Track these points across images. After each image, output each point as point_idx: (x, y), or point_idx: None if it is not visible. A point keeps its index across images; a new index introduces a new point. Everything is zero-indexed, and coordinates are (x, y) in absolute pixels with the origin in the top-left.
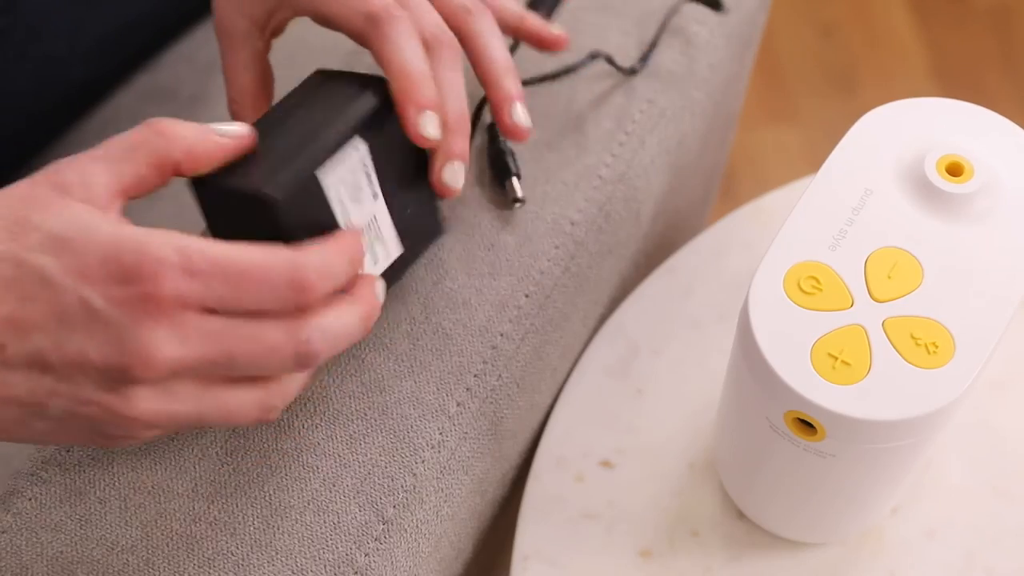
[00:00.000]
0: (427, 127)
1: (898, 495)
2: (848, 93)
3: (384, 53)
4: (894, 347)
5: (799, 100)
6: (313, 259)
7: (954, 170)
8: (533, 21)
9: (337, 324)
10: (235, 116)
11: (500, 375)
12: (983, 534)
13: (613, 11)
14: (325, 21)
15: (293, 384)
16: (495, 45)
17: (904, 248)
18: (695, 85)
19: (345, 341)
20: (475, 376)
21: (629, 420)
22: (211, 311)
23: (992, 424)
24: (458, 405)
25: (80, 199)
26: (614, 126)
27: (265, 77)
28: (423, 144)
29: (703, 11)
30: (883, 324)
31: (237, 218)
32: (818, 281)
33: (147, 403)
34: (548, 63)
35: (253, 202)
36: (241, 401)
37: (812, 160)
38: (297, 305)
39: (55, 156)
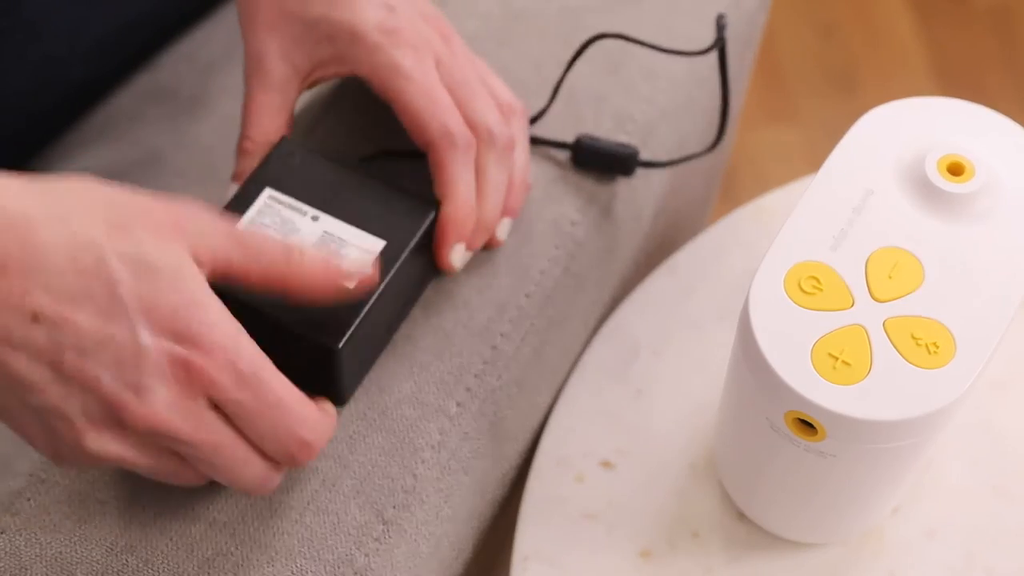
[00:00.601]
0: (455, 259)
1: (898, 495)
2: (848, 93)
3: (447, 176)
4: (895, 347)
5: (799, 100)
6: (327, 430)
7: (955, 170)
8: (516, 197)
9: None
10: (244, 156)
11: (500, 375)
12: (983, 534)
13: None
14: (389, 98)
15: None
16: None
17: (905, 248)
18: (695, 85)
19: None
20: (475, 376)
21: (629, 420)
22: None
23: (992, 424)
24: (458, 405)
25: (187, 247)
26: (614, 126)
27: (289, 126)
28: (444, 269)
29: (702, 11)
30: (884, 324)
31: None
32: (819, 281)
33: (110, 446)
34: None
35: None
36: (183, 474)
37: (812, 160)
38: (291, 458)
39: (55, 156)
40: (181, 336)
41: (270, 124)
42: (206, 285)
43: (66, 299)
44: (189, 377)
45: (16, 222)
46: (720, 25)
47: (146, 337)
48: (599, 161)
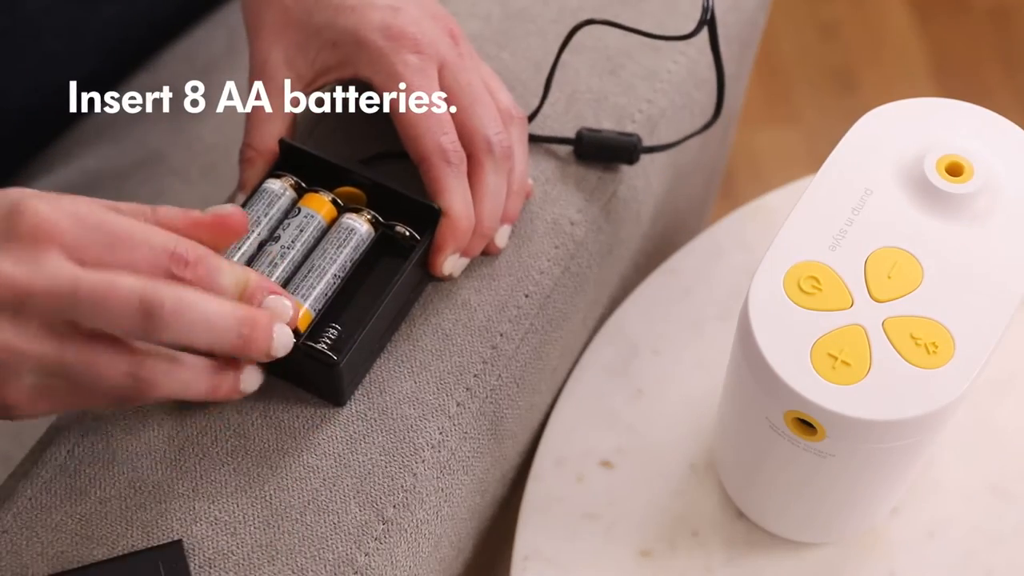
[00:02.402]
0: (447, 267)
1: (898, 495)
2: (848, 93)
3: (439, 189)
4: (894, 347)
5: (799, 100)
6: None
7: (954, 170)
8: (514, 204)
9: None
10: (248, 165)
11: (500, 375)
12: (983, 534)
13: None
14: (388, 106)
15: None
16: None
17: (904, 248)
18: (695, 85)
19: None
20: (475, 376)
21: (629, 420)
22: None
23: (992, 424)
24: (458, 405)
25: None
26: (614, 126)
27: (291, 134)
28: (438, 276)
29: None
30: (883, 324)
31: None
32: (818, 281)
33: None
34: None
35: None
36: (104, 365)
37: (812, 160)
38: (166, 271)
39: (55, 156)
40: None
41: (272, 132)
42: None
43: None
44: (30, 232)
45: None
46: (705, 6)
47: None
48: (602, 151)
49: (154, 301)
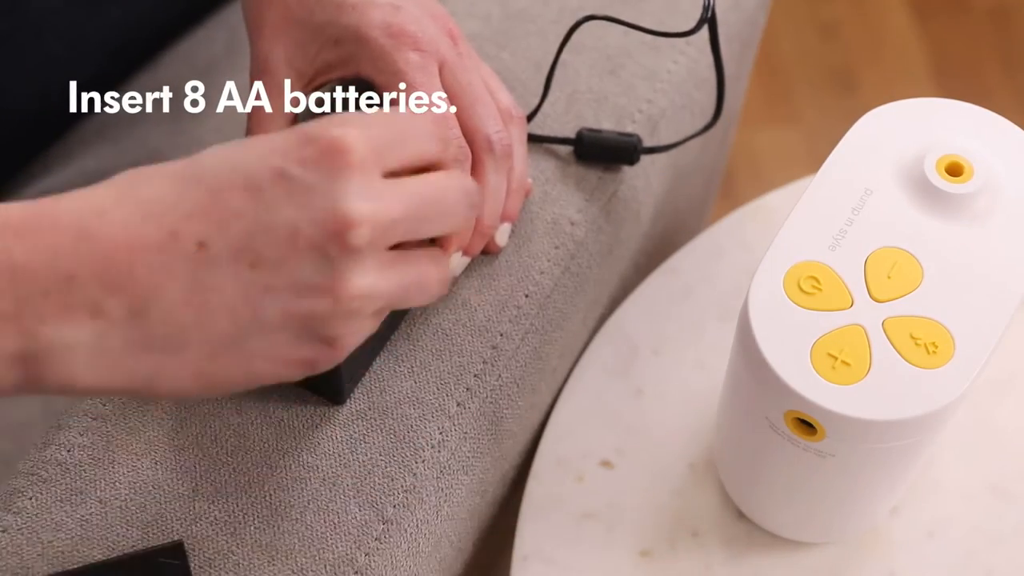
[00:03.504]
0: (451, 266)
1: (898, 495)
2: (848, 93)
3: (485, 184)
4: (894, 347)
5: (799, 100)
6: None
7: (954, 170)
8: (514, 202)
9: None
10: None
11: (500, 375)
12: (983, 534)
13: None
14: (390, 104)
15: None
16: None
17: (904, 248)
18: (695, 85)
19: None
20: (475, 376)
21: (629, 420)
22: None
23: (992, 424)
24: (458, 405)
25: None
26: (614, 126)
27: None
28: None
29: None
30: (883, 324)
31: None
32: (818, 281)
33: (361, 277)
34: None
35: None
36: (430, 272)
37: (812, 160)
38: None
39: (55, 156)
40: (308, 139)
41: (272, 131)
42: None
43: (207, 209)
44: (348, 162)
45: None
46: (706, 4)
47: (290, 165)
48: (602, 152)
49: (473, 192)
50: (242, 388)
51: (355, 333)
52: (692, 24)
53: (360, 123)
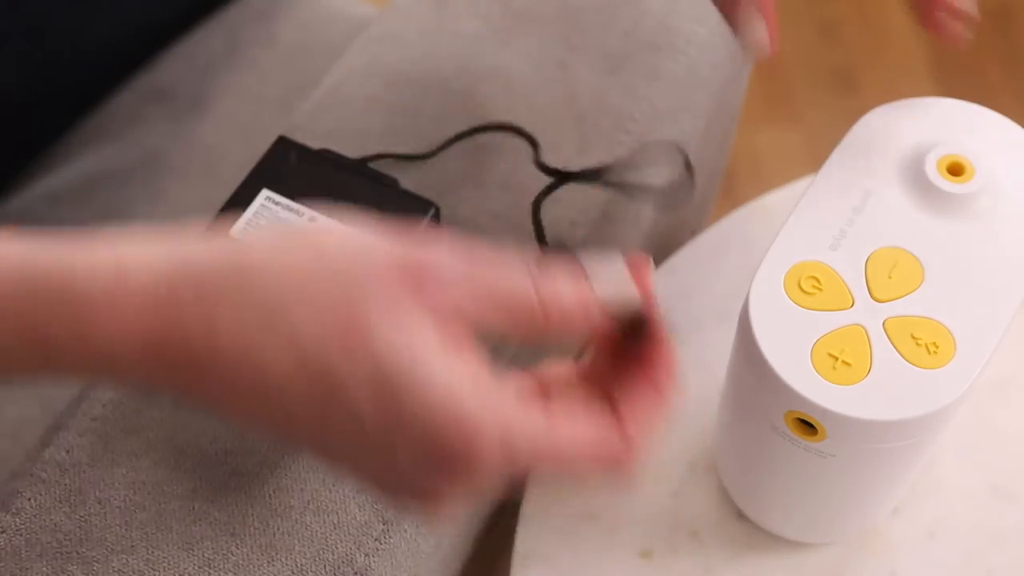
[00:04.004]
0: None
1: (898, 495)
2: (848, 93)
3: None
4: (894, 347)
5: (799, 100)
6: (637, 428)
7: (954, 170)
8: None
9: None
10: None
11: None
12: (983, 534)
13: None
14: None
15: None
16: None
17: (905, 248)
18: (695, 85)
19: None
20: None
21: None
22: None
23: (992, 424)
24: None
25: (431, 306)
26: (614, 126)
27: None
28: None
29: (701, 11)
30: (883, 324)
31: None
32: (818, 281)
33: (459, 498)
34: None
35: None
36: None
37: (812, 160)
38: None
39: (55, 156)
40: (440, 455)
41: None
42: (458, 356)
43: (317, 427)
44: (467, 488)
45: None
46: (686, 162)
47: (403, 459)
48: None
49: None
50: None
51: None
52: (692, 23)
53: (511, 456)
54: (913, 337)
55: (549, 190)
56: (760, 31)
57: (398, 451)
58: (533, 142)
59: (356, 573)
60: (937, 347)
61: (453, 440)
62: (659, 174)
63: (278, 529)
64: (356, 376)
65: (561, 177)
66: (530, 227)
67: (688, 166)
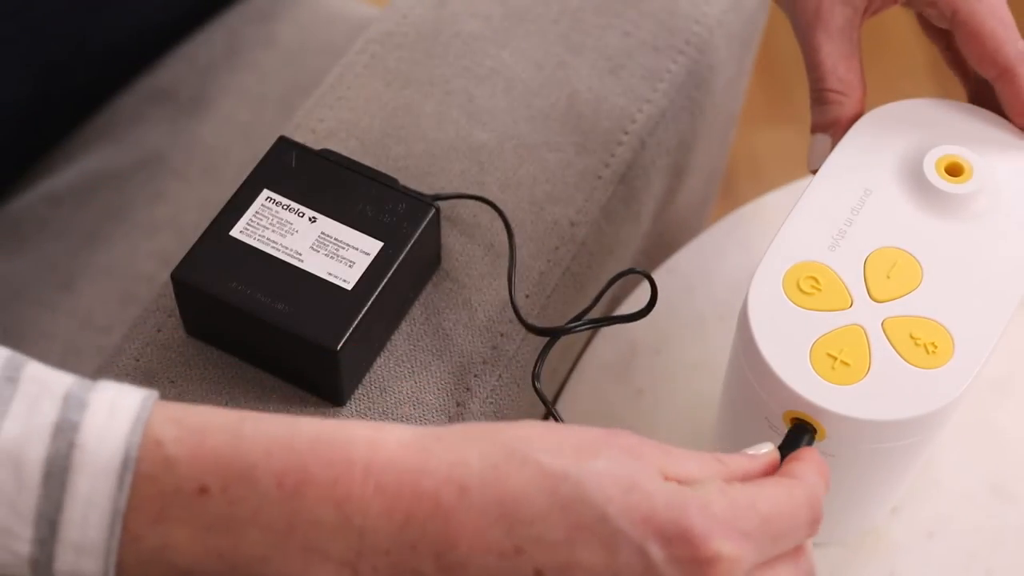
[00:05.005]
0: None
1: (898, 495)
2: None
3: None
4: (893, 347)
5: (799, 100)
6: (819, 488)
7: (953, 170)
8: None
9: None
10: (834, 104)
11: (500, 375)
12: (983, 534)
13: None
14: (957, 20)
15: None
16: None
17: (903, 248)
18: (695, 85)
19: None
20: (475, 376)
21: (629, 420)
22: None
23: (992, 424)
24: (458, 405)
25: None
26: (614, 126)
27: (862, 69)
28: None
29: (701, 11)
30: (882, 324)
31: None
32: (817, 281)
33: None
34: None
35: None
36: None
37: None
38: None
39: (57, 157)
40: (678, 535)
41: (846, 72)
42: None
43: (564, 543)
44: (712, 569)
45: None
46: (653, 290)
47: (657, 552)
48: None
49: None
50: None
51: None
52: (692, 23)
53: (740, 532)
54: (912, 337)
55: (542, 356)
56: (820, 155)
57: (651, 545)
58: (507, 222)
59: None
60: (936, 347)
61: (682, 509)
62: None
63: None
64: (594, 470)
65: (552, 335)
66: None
67: (654, 293)
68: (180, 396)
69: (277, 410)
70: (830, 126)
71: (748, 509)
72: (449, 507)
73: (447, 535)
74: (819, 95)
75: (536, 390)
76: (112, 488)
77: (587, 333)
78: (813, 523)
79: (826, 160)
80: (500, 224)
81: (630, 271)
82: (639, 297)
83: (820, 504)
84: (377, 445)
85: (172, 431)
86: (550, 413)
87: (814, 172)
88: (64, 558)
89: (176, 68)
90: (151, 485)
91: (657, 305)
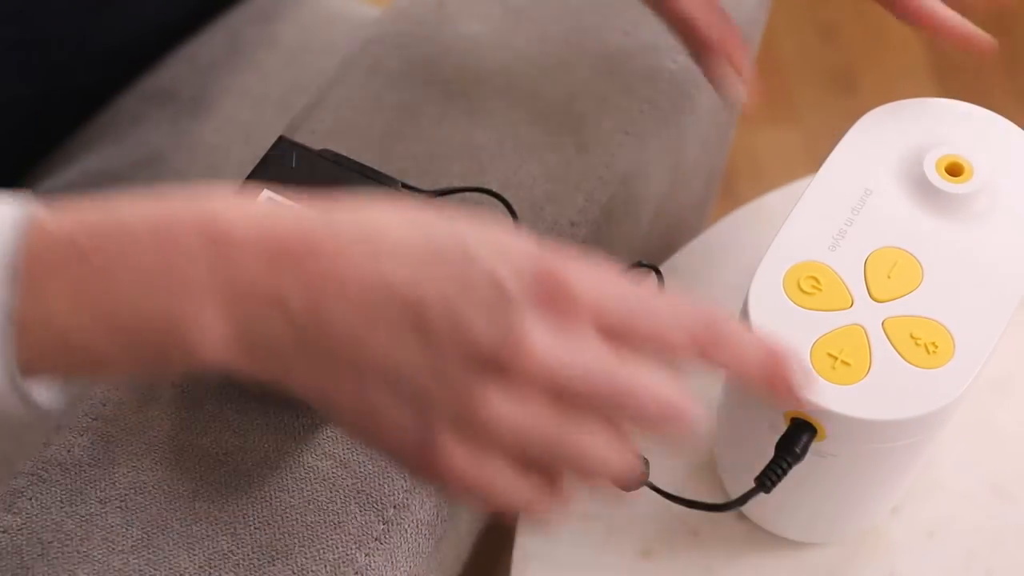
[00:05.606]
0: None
1: (898, 495)
2: (848, 93)
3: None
4: (894, 347)
5: (799, 100)
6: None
7: (953, 170)
8: None
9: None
10: (717, 55)
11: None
12: (983, 534)
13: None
14: None
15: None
16: None
17: (904, 248)
18: (695, 85)
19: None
20: None
21: None
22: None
23: (992, 424)
24: None
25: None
26: (614, 126)
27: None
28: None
29: None
30: (883, 324)
31: None
32: (818, 281)
33: (501, 406)
34: None
35: None
36: (598, 444)
37: (812, 160)
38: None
39: (57, 158)
40: (538, 274)
41: (708, 12)
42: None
43: (418, 260)
44: (561, 308)
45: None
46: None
47: (508, 278)
48: None
49: (681, 407)
50: (355, 430)
51: (464, 456)
52: None
53: (602, 281)
54: (912, 337)
55: None
56: (733, 84)
57: (504, 271)
58: (511, 210)
59: (356, 573)
60: (936, 347)
61: (551, 259)
62: None
63: (278, 529)
64: (454, 220)
65: None
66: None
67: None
68: (180, 396)
69: (277, 410)
70: (723, 69)
71: (616, 283)
72: (317, 238)
73: (312, 260)
74: (702, 45)
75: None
76: (1, 288)
77: None
78: (705, 325)
79: (826, 160)
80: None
81: (638, 264)
82: None
83: (681, 328)
84: (244, 202)
85: (47, 212)
86: None
87: (741, 108)
88: None
89: (177, 68)
90: (30, 255)
91: None
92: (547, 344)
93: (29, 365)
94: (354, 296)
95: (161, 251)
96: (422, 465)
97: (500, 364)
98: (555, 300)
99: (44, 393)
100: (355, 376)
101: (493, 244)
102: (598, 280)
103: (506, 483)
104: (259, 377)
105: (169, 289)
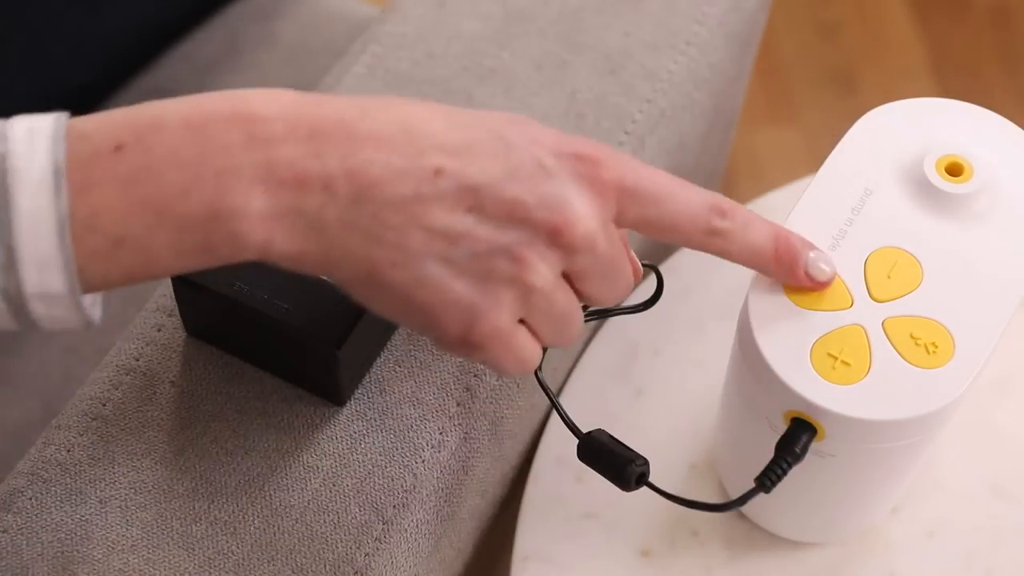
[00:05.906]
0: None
1: (898, 495)
2: (848, 93)
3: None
4: (894, 347)
5: (799, 100)
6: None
7: (954, 170)
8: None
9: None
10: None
11: (500, 375)
12: (983, 534)
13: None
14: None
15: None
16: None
17: (904, 248)
18: (695, 85)
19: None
20: (475, 376)
21: (629, 420)
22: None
23: (992, 424)
24: (458, 405)
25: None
26: (614, 126)
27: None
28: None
29: (702, 11)
30: (883, 324)
31: None
32: None
33: (545, 276)
34: None
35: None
36: (578, 327)
37: (812, 160)
38: (711, 230)
39: None
40: (574, 153)
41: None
42: None
43: (462, 149)
44: (599, 183)
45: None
46: (659, 281)
47: (547, 158)
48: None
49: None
50: (397, 306)
51: (508, 320)
52: (691, 23)
53: (631, 162)
54: (912, 337)
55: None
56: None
57: (542, 153)
58: None
59: (356, 573)
60: (936, 347)
61: (581, 141)
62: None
63: (278, 529)
64: (488, 112)
65: None
66: None
67: (659, 285)
68: (180, 396)
69: (278, 410)
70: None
71: (648, 168)
72: (351, 121)
73: (351, 143)
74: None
75: (538, 379)
76: (51, 197)
77: (588, 334)
78: (714, 208)
79: (826, 160)
80: None
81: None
82: (643, 292)
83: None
84: (277, 92)
85: (86, 122)
86: (553, 405)
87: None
88: (30, 279)
89: (176, 67)
90: (72, 159)
91: (657, 305)
92: (588, 213)
93: (82, 271)
94: (402, 182)
95: (201, 142)
96: (466, 332)
97: (552, 235)
98: (589, 176)
99: (88, 300)
100: (404, 252)
101: (526, 133)
102: (620, 159)
103: (527, 343)
104: (303, 265)
105: (213, 178)
